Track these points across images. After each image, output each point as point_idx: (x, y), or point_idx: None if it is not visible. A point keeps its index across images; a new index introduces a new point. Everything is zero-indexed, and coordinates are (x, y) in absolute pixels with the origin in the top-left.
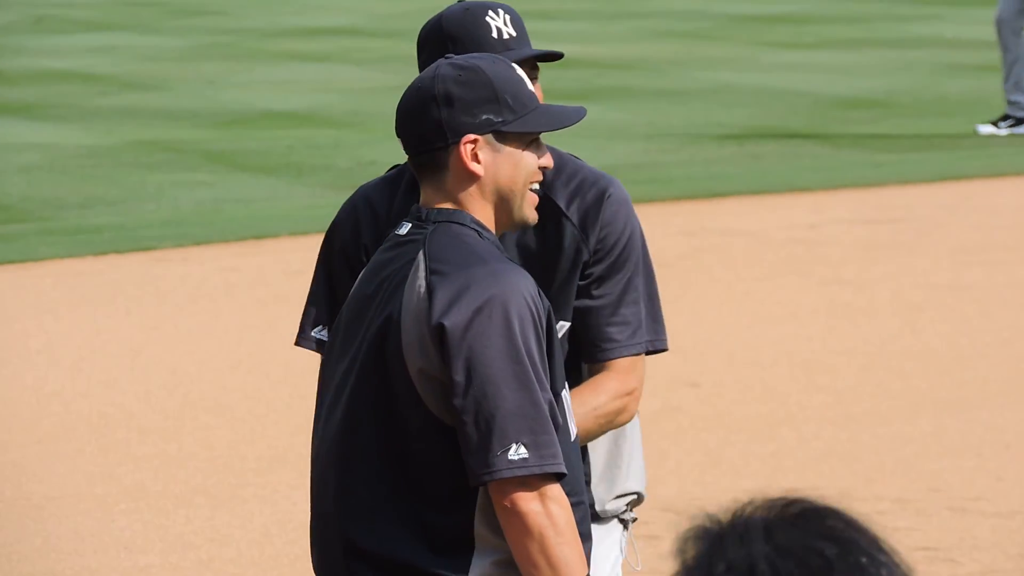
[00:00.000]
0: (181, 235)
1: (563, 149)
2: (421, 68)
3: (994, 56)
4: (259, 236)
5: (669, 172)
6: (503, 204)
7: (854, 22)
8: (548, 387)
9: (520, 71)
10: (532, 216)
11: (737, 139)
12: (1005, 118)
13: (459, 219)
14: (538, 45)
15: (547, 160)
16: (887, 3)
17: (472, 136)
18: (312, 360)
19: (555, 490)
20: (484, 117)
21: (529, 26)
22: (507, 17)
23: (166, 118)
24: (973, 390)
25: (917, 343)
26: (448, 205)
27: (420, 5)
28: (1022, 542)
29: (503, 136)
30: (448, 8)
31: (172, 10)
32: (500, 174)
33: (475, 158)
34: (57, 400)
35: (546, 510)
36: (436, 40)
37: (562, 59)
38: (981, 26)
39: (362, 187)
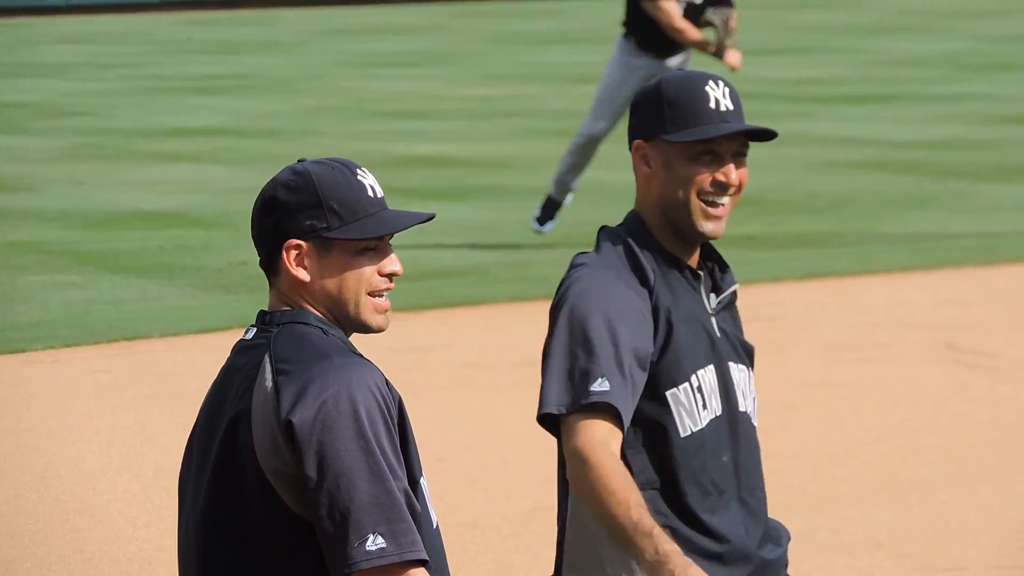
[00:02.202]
0: (51, 337)
1: (428, 248)
2: (631, 129)
3: (867, 153)
4: (130, 338)
5: (542, 271)
6: (336, 309)
7: None
8: (403, 476)
9: (362, 177)
10: (374, 322)
11: None
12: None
13: (303, 319)
14: (430, 142)
15: (391, 265)
16: (757, 101)
17: (295, 241)
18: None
19: None
20: (308, 223)
21: (400, 125)
22: (726, 90)
23: (35, 219)
24: (845, 488)
25: (789, 441)
26: (288, 308)
27: (291, 105)
28: None
29: (328, 242)
30: (667, 73)
31: (40, 111)
32: (327, 280)
33: (300, 263)
34: None
35: None
36: (653, 103)
37: (775, 138)
38: (852, 123)
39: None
